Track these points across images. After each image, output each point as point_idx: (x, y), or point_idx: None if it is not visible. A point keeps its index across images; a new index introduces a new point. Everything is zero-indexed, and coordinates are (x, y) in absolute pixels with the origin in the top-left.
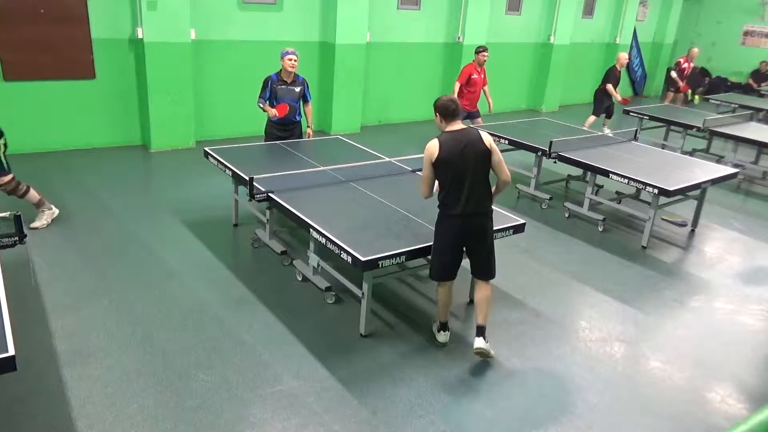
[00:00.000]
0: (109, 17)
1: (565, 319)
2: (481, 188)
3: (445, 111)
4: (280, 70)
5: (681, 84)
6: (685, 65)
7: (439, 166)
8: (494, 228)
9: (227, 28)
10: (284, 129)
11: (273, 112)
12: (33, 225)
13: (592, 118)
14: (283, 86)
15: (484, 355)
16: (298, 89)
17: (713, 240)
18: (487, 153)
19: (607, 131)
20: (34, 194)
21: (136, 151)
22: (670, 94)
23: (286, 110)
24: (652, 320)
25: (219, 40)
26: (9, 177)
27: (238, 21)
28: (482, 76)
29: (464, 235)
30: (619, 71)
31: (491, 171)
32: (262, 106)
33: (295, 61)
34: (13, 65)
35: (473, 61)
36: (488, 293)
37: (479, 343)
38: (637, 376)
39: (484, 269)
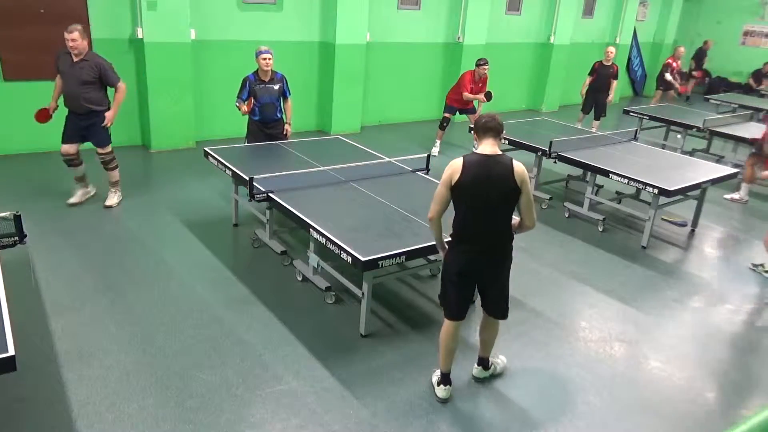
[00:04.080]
0: (109, 17)
1: (565, 319)
2: (501, 226)
3: (483, 127)
4: (257, 70)
5: (677, 85)
6: (674, 65)
7: (456, 190)
8: None
9: (227, 28)
10: (267, 126)
11: (243, 108)
12: (107, 203)
13: (582, 115)
14: (261, 86)
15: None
16: (276, 87)
17: (713, 240)
18: (516, 191)
19: (593, 131)
20: (117, 173)
21: (136, 151)
22: (659, 93)
23: (252, 104)
24: (652, 320)
25: (219, 40)
26: (110, 148)
27: (238, 21)
28: (480, 86)
29: (473, 273)
30: (602, 64)
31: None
32: (237, 104)
33: (269, 60)
34: (13, 65)
35: (474, 70)
36: (496, 332)
37: (477, 371)
38: (637, 376)
39: (495, 308)
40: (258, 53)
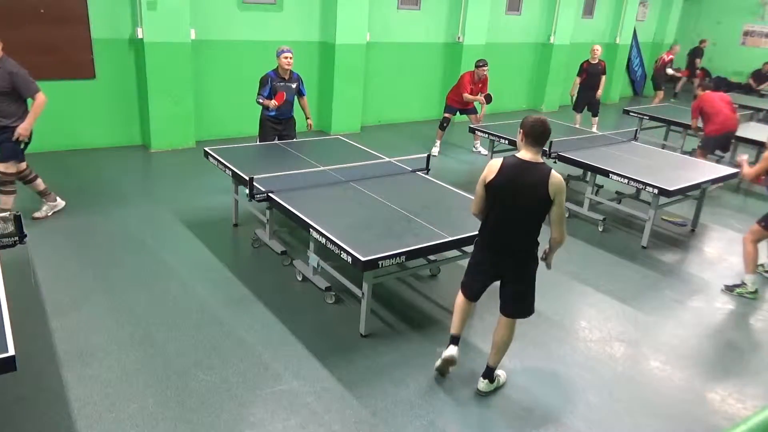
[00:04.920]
0: (109, 17)
1: (565, 319)
2: (524, 232)
3: (531, 131)
4: (277, 68)
5: (680, 79)
6: (667, 60)
7: (489, 189)
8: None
9: (227, 28)
10: (279, 122)
11: (273, 103)
12: (34, 215)
13: (578, 116)
14: (281, 83)
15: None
16: (294, 85)
17: (713, 240)
18: (547, 202)
19: (594, 129)
20: (10, 199)
21: (136, 151)
22: (661, 93)
23: (284, 97)
24: (652, 320)
25: (219, 40)
26: (14, 168)
27: (238, 21)
28: (480, 86)
29: (489, 269)
30: (590, 63)
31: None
32: (261, 101)
33: (290, 58)
34: None
35: (473, 71)
36: (508, 336)
37: (482, 386)
38: (637, 376)
39: (507, 306)
40: (279, 52)
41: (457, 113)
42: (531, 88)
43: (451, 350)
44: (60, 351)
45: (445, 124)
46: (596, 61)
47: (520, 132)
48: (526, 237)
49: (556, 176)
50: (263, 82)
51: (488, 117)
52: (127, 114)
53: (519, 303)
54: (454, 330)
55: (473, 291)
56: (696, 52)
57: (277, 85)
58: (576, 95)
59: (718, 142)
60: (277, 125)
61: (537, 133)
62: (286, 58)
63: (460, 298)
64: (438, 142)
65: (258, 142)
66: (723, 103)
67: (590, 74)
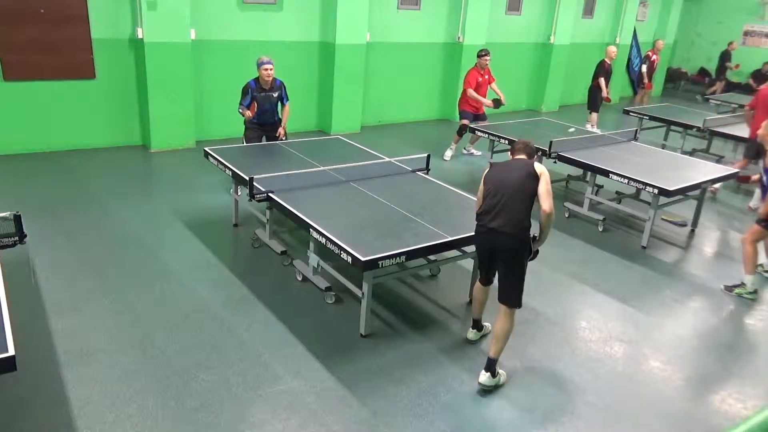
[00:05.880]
0: (109, 17)
1: (565, 319)
2: (515, 209)
3: (516, 148)
4: (258, 77)
5: (646, 82)
6: (654, 57)
7: (485, 181)
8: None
9: (227, 28)
10: (263, 126)
11: (248, 113)
12: None
13: (594, 115)
14: (262, 93)
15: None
16: (275, 94)
17: (713, 240)
18: (533, 176)
19: (590, 127)
20: None
21: (136, 151)
22: (643, 92)
23: (255, 109)
24: (652, 320)
25: (219, 40)
26: None
27: (238, 21)
28: (486, 77)
29: (489, 251)
30: (609, 64)
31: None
32: (241, 111)
33: (271, 70)
34: (13, 65)
35: (476, 64)
36: (506, 326)
37: (484, 378)
38: (637, 376)
39: (502, 291)
40: (260, 64)
41: (473, 118)
42: (531, 88)
43: (468, 333)
44: (60, 351)
45: (463, 131)
46: (610, 61)
47: (510, 152)
48: (517, 215)
49: (539, 164)
50: (245, 92)
51: (490, 117)
52: (126, 114)
53: (511, 289)
54: (474, 314)
55: (481, 274)
56: (725, 56)
57: (258, 95)
58: (593, 95)
59: (752, 148)
60: (260, 129)
61: (526, 152)
62: (267, 69)
63: (476, 286)
64: (454, 146)
65: (244, 144)
66: None
67: (608, 74)
